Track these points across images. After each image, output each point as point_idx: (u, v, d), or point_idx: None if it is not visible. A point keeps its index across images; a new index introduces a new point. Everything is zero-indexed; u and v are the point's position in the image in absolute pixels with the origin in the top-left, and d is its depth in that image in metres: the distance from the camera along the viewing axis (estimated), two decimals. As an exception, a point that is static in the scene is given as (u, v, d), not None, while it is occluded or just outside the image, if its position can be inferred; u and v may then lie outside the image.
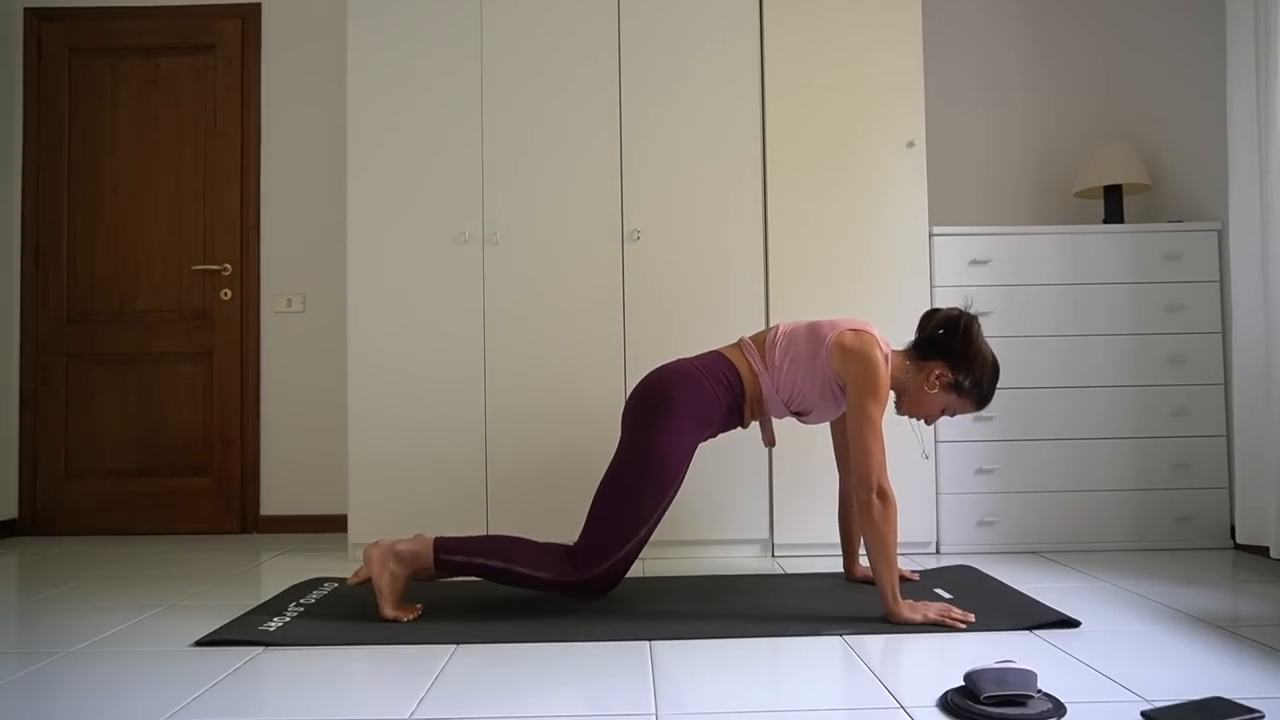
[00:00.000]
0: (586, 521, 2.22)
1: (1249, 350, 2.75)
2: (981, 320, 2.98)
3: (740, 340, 2.35)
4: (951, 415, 2.28)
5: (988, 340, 2.27)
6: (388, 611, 2.14)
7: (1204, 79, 3.15)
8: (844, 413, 2.31)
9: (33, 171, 3.77)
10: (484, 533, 2.96)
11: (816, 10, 3.03)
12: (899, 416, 2.41)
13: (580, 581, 2.17)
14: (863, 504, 2.09)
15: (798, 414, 2.33)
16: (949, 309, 2.24)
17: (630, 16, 3.04)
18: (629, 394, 2.33)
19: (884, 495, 2.08)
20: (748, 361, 2.28)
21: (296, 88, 3.77)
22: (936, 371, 2.20)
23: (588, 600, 2.23)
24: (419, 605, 2.23)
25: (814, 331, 2.24)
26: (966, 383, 2.19)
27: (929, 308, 2.30)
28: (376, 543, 2.18)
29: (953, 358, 2.19)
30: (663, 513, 2.22)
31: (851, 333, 2.20)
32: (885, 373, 2.15)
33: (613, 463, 2.24)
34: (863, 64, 3.02)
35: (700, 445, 2.96)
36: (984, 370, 2.20)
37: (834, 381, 2.21)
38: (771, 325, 2.37)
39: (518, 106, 3.03)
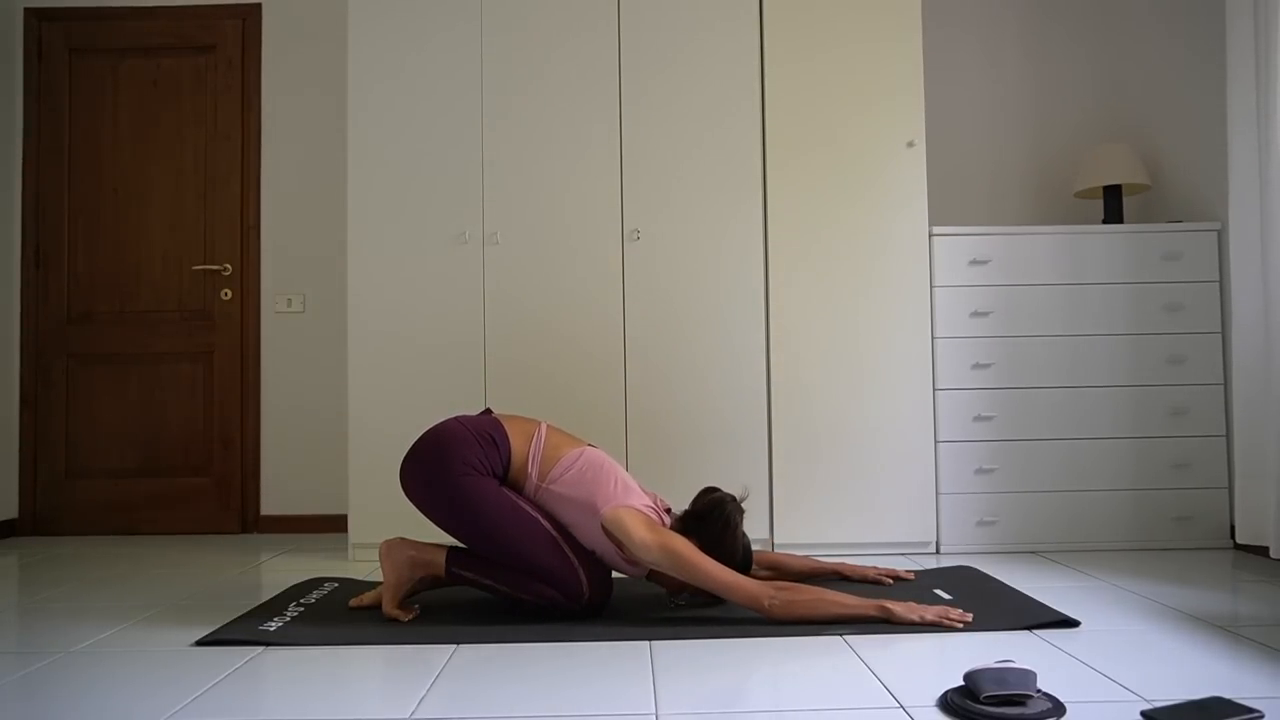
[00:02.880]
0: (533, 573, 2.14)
1: (1249, 350, 2.75)
2: (980, 320, 3.00)
3: (538, 426, 2.26)
4: (689, 597, 2.23)
5: (743, 528, 2.23)
6: (389, 609, 2.16)
7: (1204, 79, 3.15)
8: (630, 574, 2.24)
9: (33, 171, 3.77)
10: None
11: (816, 10, 3.03)
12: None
13: (576, 607, 2.14)
14: (777, 608, 2.02)
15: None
16: (722, 494, 2.21)
17: (630, 16, 3.04)
18: (401, 471, 2.22)
19: (775, 591, 2.03)
20: (526, 457, 2.19)
21: (296, 88, 3.77)
22: (692, 541, 2.15)
23: (591, 618, 2.19)
24: (417, 606, 2.24)
25: (602, 489, 2.15)
26: (722, 556, 2.15)
27: (708, 490, 2.25)
28: (395, 541, 2.20)
29: (707, 539, 2.16)
30: (539, 514, 2.15)
31: (638, 515, 2.11)
32: (661, 533, 2.08)
33: (457, 537, 2.16)
34: (863, 64, 3.02)
35: (700, 444, 2.96)
36: (730, 560, 2.16)
37: (609, 545, 2.14)
38: (580, 443, 2.26)
39: (518, 106, 3.03)
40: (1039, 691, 1.56)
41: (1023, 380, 3.01)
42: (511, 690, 1.68)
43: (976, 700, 1.53)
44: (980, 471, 2.99)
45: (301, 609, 2.28)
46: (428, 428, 2.32)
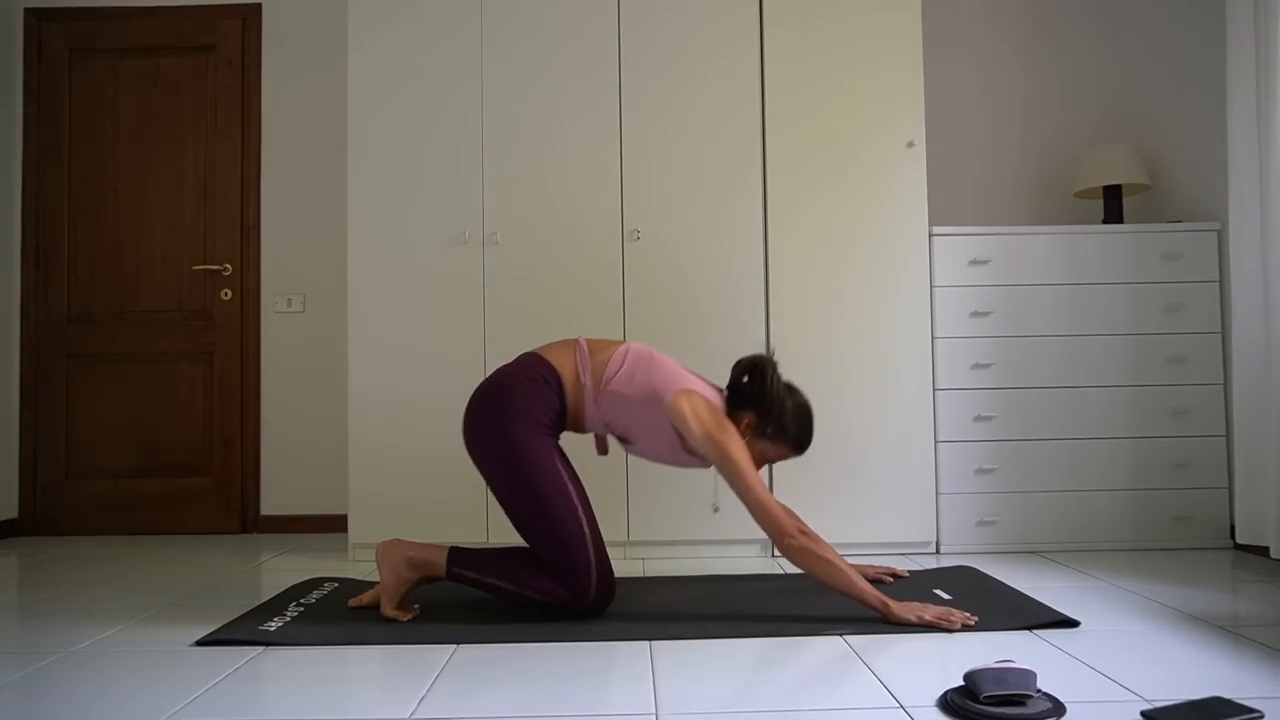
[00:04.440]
0: (543, 559, 2.14)
1: (1249, 350, 2.75)
2: (980, 320, 3.00)
3: (576, 341, 2.26)
4: (771, 463, 2.24)
5: (795, 383, 2.26)
6: (388, 611, 2.16)
7: (1204, 79, 3.16)
8: (691, 465, 2.26)
9: (33, 171, 3.77)
10: (487, 534, 2.97)
11: (817, 10, 3.03)
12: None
13: (579, 607, 2.13)
14: (794, 551, 2.05)
15: (621, 439, 2.27)
16: (749, 356, 2.23)
17: (630, 15, 3.04)
18: (464, 424, 2.23)
19: (803, 532, 2.05)
20: (575, 371, 2.20)
21: (296, 88, 3.77)
22: (746, 420, 2.20)
23: (591, 619, 2.19)
24: (416, 606, 2.24)
25: (661, 378, 2.17)
26: (775, 428, 2.20)
27: (738, 363, 2.27)
28: (392, 542, 2.19)
29: (758, 405, 2.18)
30: (588, 506, 2.16)
31: (702, 399, 2.14)
32: (724, 427, 2.10)
33: (500, 501, 2.18)
34: (863, 64, 3.02)
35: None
36: (790, 414, 2.20)
37: (672, 437, 2.15)
38: (620, 341, 2.27)
39: (518, 106, 3.03)
40: (1039, 691, 1.56)
41: (1023, 380, 3.01)
42: (511, 690, 1.68)
43: (976, 700, 1.53)
44: (980, 471, 2.99)
45: (301, 609, 2.28)
46: (482, 383, 2.27)
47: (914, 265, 2.99)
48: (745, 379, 2.23)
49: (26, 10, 3.79)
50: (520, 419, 2.14)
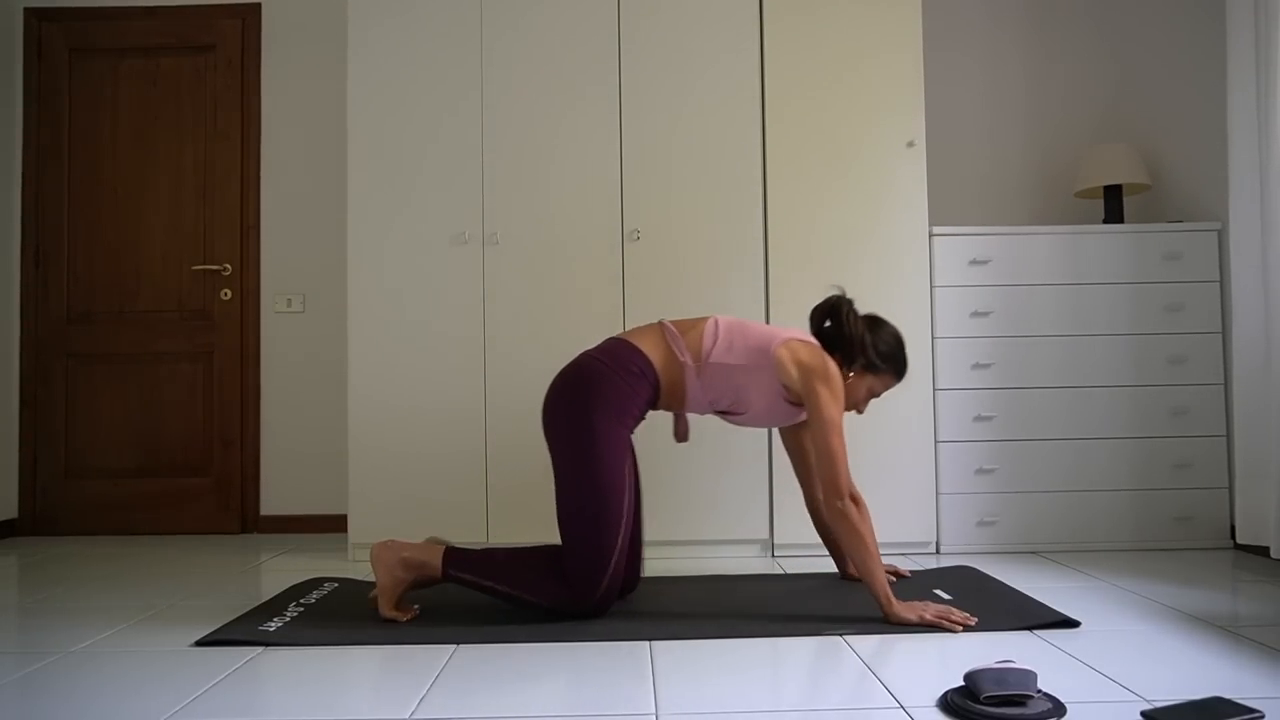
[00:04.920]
0: (565, 552, 2.14)
1: (1249, 350, 2.75)
2: (980, 320, 3.00)
3: (661, 324, 2.25)
4: (879, 395, 2.31)
5: (879, 314, 2.34)
6: (385, 612, 2.15)
7: (1204, 79, 3.15)
8: (793, 423, 2.31)
9: (33, 171, 3.77)
10: (486, 534, 2.97)
11: (817, 10, 3.03)
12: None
13: (581, 610, 2.13)
14: (837, 512, 2.07)
15: (726, 413, 2.28)
16: (823, 301, 2.28)
17: (630, 15, 3.04)
18: (545, 403, 2.23)
19: (856, 499, 2.09)
20: (668, 350, 2.19)
21: (296, 88, 3.77)
22: (838, 361, 2.23)
23: (591, 621, 2.17)
24: (416, 606, 2.23)
25: (759, 337, 2.18)
26: (867, 363, 2.23)
27: (814, 309, 2.33)
28: (386, 543, 2.18)
29: (843, 346, 2.22)
30: (635, 517, 2.17)
31: (801, 344, 2.18)
32: (822, 371, 2.13)
33: (558, 484, 2.16)
34: (863, 64, 3.02)
35: (700, 443, 2.96)
36: (879, 345, 2.24)
37: (781, 392, 2.17)
38: (703, 317, 2.29)
39: (518, 106, 3.03)
40: (1039, 692, 1.56)
41: (1023, 380, 3.01)
42: (511, 690, 1.68)
43: (977, 700, 1.52)
44: (980, 471, 2.99)
45: (301, 609, 2.28)
46: (566, 367, 2.24)
47: (914, 265, 2.99)
48: (826, 323, 2.26)
49: (26, 10, 3.79)
50: (605, 409, 2.12)
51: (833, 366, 2.15)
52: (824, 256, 3.00)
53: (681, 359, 2.16)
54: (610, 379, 2.14)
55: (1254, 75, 2.70)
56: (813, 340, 2.24)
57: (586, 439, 2.11)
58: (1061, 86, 3.66)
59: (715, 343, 2.17)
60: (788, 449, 2.53)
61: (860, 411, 2.33)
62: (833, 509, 2.08)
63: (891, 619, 2.05)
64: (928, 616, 2.04)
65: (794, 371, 2.13)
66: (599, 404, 2.12)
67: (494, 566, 2.15)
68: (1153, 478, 3.00)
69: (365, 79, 3.04)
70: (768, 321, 2.99)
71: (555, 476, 2.18)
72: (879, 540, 2.94)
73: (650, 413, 2.29)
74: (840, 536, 2.09)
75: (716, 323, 2.22)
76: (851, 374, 2.25)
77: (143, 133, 3.78)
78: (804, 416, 2.25)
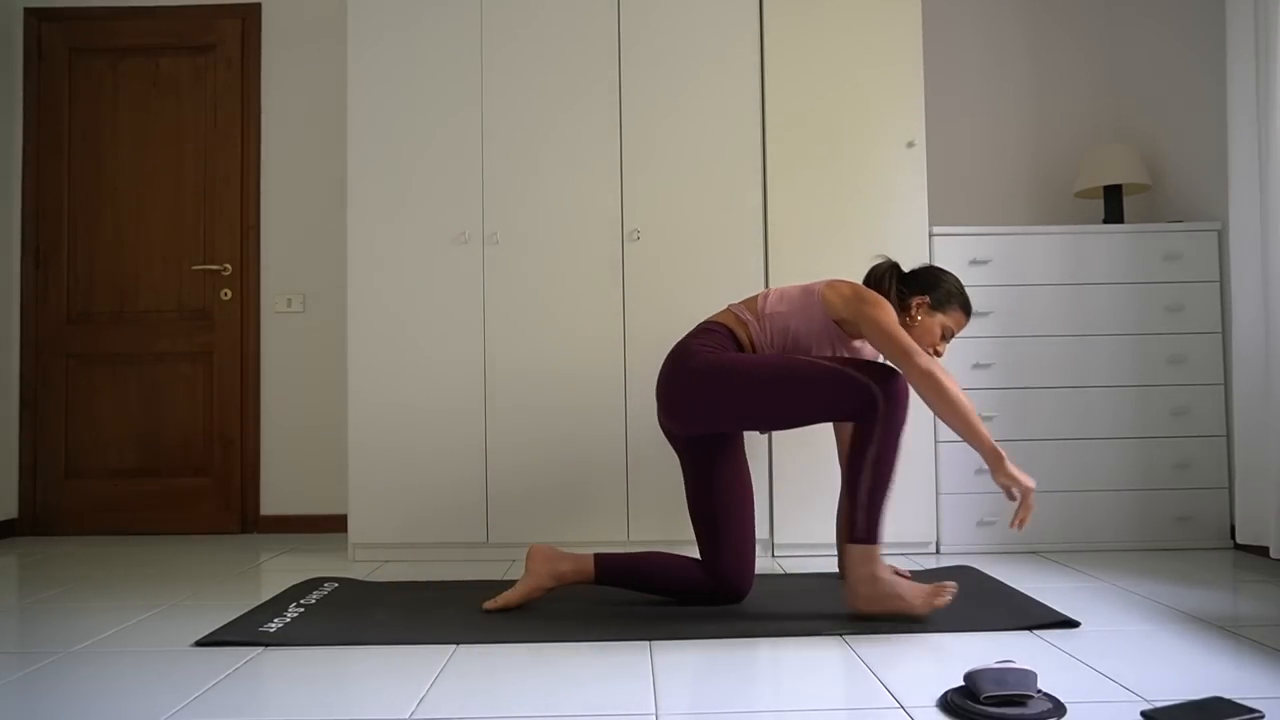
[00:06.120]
0: (723, 545, 2.26)
1: (1249, 350, 2.75)
2: (980, 320, 3.01)
3: (728, 306, 2.42)
4: (951, 336, 2.40)
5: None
6: (497, 606, 2.23)
7: (1204, 79, 3.15)
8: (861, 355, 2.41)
9: (33, 172, 3.77)
10: (486, 534, 2.97)
11: (816, 10, 3.03)
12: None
13: (729, 597, 2.27)
14: (934, 376, 2.07)
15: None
16: (875, 264, 2.43)
17: (630, 15, 3.04)
18: (662, 399, 2.29)
19: (936, 367, 2.09)
20: (734, 315, 2.34)
21: (296, 88, 3.77)
22: (915, 302, 2.35)
23: (728, 602, 2.29)
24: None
25: (804, 287, 2.34)
26: (943, 296, 2.36)
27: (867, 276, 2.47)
28: (546, 552, 2.24)
29: (918, 285, 2.37)
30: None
31: (841, 281, 2.31)
32: (866, 294, 2.24)
33: (719, 477, 2.27)
34: (863, 64, 3.02)
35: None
36: (948, 280, 2.38)
37: (833, 328, 2.26)
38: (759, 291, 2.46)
39: (518, 106, 3.03)
40: (1039, 692, 1.56)
41: (1023, 380, 3.01)
42: (511, 690, 1.68)
43: (976, 700, 1.52)
44: (980, 471, 2.99)
45: (301, 609, 2.28)
46: (666, 359, 2.35)
47: (914, 265, 2.98)
48: (894, 277, 2.38)
49: (26, 10, 3.79)
50: (710, 353, 2.24)
51: (872, 292, 2.26)
52: (824, 256, 3.00)
53: (744, 318, 2.32)
54: (701, 341, 2.29)
55: (1254, 75, 2.70)
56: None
57: (714, 372, 2.20)
58: (1061, 87, 3.66)
59: (767, 300, 2.34)
60: (836, 432, 2.60)
61: (940, 353, 2.39)
62: (932, 378, 2.08)
63: (1001, 478, 2.04)
64: (1028, 483, 2.04)
65: (839, 302, 2.24)
66: (705, 353, 2.25)
67: (637, 570, 2.26)
68: (1153, 478, 3.00)
69: (365, 79, 3.04)
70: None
71: (720, 469, 2.27)
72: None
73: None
74: (934, 401, 2.09)
75: (768, 290, 2.39)
76: (919, 316, 2.35)
77: (143, 133, 3.78)
78: (864, 348, 2.40)
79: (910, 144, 3.00)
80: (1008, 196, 3.65)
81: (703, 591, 2.27)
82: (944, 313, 2.37)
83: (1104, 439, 3.00)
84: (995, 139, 3.65)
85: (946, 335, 2.39)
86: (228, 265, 3.74)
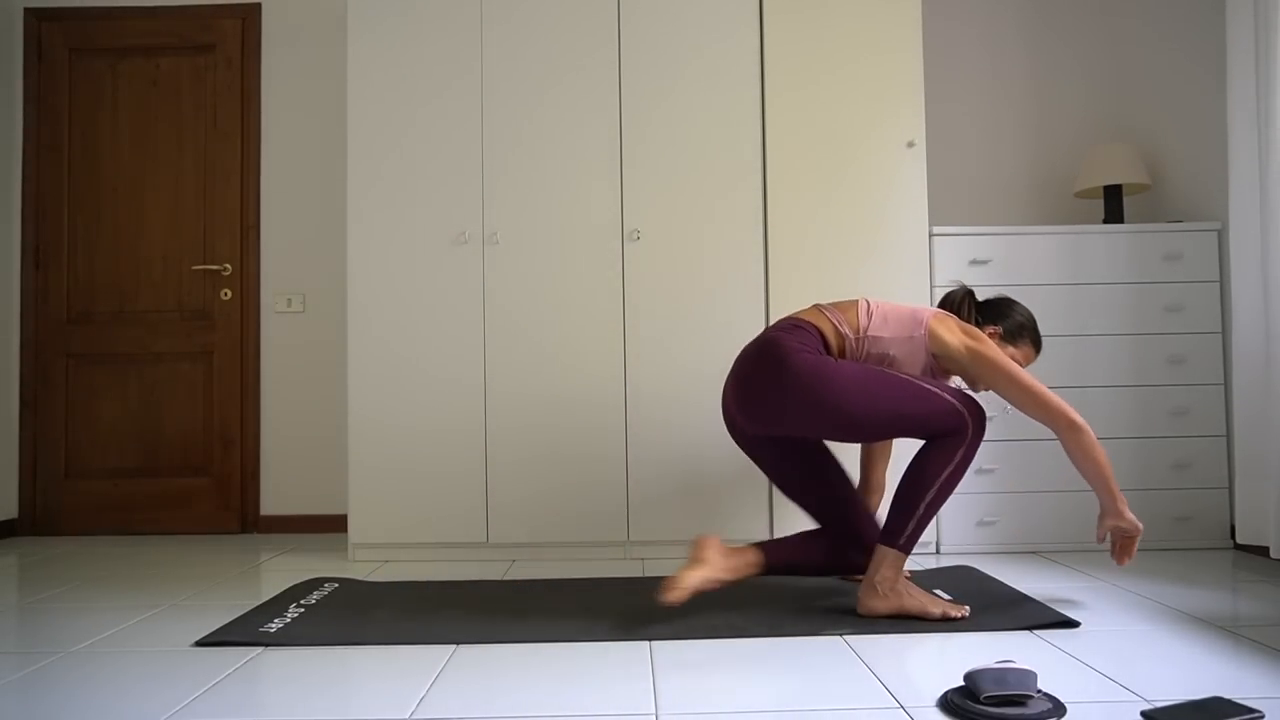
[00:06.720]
0: (850, 511, 2.32)
1: (1249, 350, 2.75)
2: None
3: (818, 307, 2.33)
4: (1024, 366, 2.42)
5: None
6: (680, 592, 2.09)
7: (1204, 79, 3.15)
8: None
9: (33, 171, 3.77)
10: (486, 534, 2.97)
11: (816, 10, 3.03)
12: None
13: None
14: (1079, 430, 2.13)
15: None
16: (951, 291, 2.42)
17: (630, 16, 3.04)
18: (748, 392, 2.22)
19: (1082, 421, 2.14)
20: (832, 324, 2.27)
21: (296, 88, 3.77)
22: (989, 332, 2.37)
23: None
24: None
25: (909, 313, 2.28)
26: (1015, 329, 2.38)
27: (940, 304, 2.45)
28: (717, 546, 2.16)
29: (992, 316, 2.39)
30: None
31: (948, 315, 2.28)
32: (980, 336, 2.23)
33: (836, 426, 2.14)
34: (863, 64, 3.02)
35: (701, 444, 2.96)
36: (1021, 312, 2.41)
37: (929, 361, 2.25)
38: (851, 299, 2.42)
39: (518, 106, 3.03)
40: (1039, 692, 1.56)
41: (1023, 380, 3.01)
42: (511, 690, 1.68)
43: (977, 700, 1.53)
44: (980, 471, 2.99)
45: (301, 609, 2.28)
46: (747, 347, 2.29)
47: (914, 265, 2.99)
48: (969, 307, 2.38)
49: (26, 10, 3.79)
50: (809, 354, 2.18)
51: (979, 333, 2.26)
52: (824, 256, 3.00)
53: (843, 331, 2.27)
54: (791, 339, 2.21)
55: (1254, 75, 2.70)
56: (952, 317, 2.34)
57: (809, 375, 2.14)
58: (1061, 86, 3.66)
59: (870, 320, 2.28)
60: (861, 461, 2.61)
61: None
62: (1080, 435, 2.13)
63: (1121, 522, 2.18)
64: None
65: (952, 342, 2.21)
66: (797, 353, 2.18)
67: (794, 553, 2.28)
68: (1153, 478, 3.00)
69: (365, 78, 3.04)
70: (767, 320, 2.99)
71: (826, 428, 2.17)
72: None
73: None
74: (1087, 458, 2.14)
75: (868, 304, 2.32)
76: (999, 344, 2.37)
77: (143, 133, 3.78)
78: (953, 380, 2.43)
79: (910, 144, 3.00)
80: (1008, 196, 3.65)
81: (851, 552, 2.30)
82: (1015, 346, 2.39)
83: (1104, 439, 3.00)
84: (995, 139, 3.65)
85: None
86: (228, 265, 3.74)
